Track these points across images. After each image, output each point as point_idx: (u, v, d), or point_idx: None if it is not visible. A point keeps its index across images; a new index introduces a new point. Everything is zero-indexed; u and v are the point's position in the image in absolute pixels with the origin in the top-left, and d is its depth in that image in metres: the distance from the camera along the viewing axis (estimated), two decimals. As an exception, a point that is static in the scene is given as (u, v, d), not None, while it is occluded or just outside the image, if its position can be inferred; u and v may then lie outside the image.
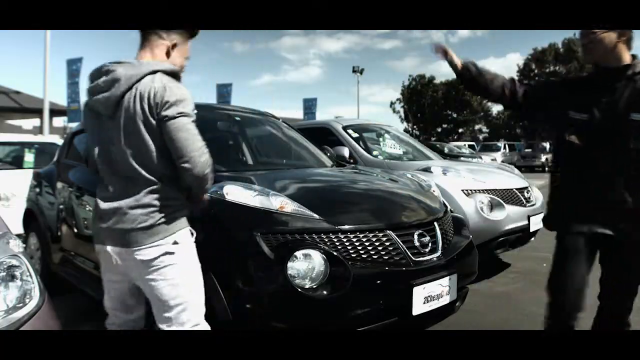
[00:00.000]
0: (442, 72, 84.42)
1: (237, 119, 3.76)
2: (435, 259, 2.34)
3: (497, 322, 3.34)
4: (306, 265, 2.00)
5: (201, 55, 77.82)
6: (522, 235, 4.41)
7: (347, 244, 2.12)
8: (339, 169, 3.50)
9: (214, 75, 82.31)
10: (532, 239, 4.77)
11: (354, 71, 35.06)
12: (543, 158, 25.07)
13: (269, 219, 2.12)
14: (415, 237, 2.32)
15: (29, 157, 6.74)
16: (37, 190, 4.26)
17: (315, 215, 2.17)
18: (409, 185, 2.98)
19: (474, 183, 4.41)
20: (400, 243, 2.24)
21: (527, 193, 4.73)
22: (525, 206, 4.54)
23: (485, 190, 4.36)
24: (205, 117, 3.59)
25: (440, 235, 2.46)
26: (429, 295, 2.23)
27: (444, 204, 2.86)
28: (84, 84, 15.81)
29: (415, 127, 50.34)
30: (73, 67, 16.40)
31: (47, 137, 10.97)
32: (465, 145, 25.61)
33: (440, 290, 2.29)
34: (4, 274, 1.46)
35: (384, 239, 2.21)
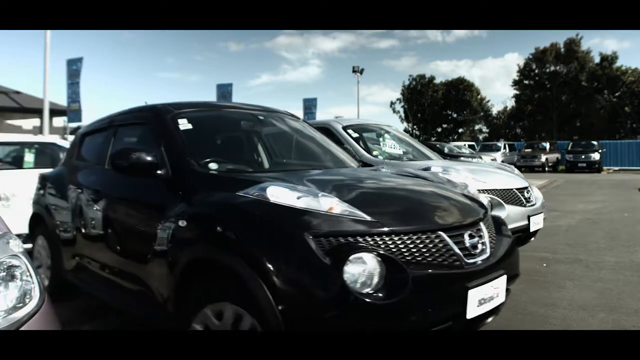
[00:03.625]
0: (441, 72, 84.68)
1: (261, 118, 3.62)
2: (485, 260, 2.25)
3: (497, 322, 3.34)
4: (363, 270, 1.87)
5: (199, 55, 77.93)
6: (522, 235, 4.41)
7: (401, 246, 2.01)
8: (368, 168, 3.40)
9: (213, 75, 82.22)
10: (532, 239, 4.77)
11: (354, 71, 35.01)
12: (543, 158, 25.07)
13: (319, 220, 2.00)
14: (466, 238, 2.23)
15: (29, 157, 6.74)
16: (45, 193, 4.10)
17: (367, 217, 2.05)
18: (446, 185, 2.89)
19: (474, 183, 4.41)
20: (453, 245, 2.14)
21: (527, 193, 4.74)
22: (525, 206, 4.55)
23: (485, 190, 4.36)
24: (229, 116, 3.49)
25: (487, 236, 2.38)
26: (483, 298, 2.15)
27: (484, 203, 2.77)
28: (84, 84, 15.65)
29: (415, 127, 50.35)
30: (73, 67, 16.39)
31: (47, 137, 10.97)
32: (465, 145, 25.60)
33: (492, 292, 2.22)
34: (4, 274, 1.46)
35: (437, 240, 2.11)
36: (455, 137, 48.00)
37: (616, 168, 26.36)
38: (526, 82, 45.02)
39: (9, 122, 22.26)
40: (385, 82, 79.64)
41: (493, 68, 72.48)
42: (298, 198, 2.09)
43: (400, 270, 1.91)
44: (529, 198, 4.70)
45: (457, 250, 2.14)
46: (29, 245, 4.30)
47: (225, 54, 74.96)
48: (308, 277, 1.88)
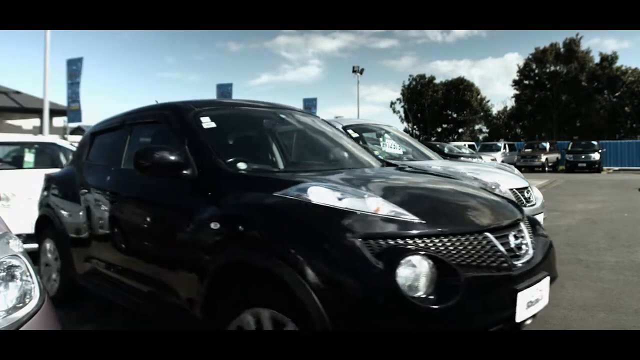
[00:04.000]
0: (441, 72, 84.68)
1: (282, 116, 3.48)
2: (529, 261, 2.18)
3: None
4: (416, 273, 1.79)
5: (199, 55, 77.94)
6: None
7: (451, 248, 1.92)
8: (393, 168, 3.33)
9: (213, 75, 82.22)
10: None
11: (354, 71, 35.03)
12: (543, 158, 25.07)
13: (367, 222, 1.91)
14: (511, 238, 2.16)
15: (29, 157, 6.74)
16: (52, 195, 3.97)
17: (415, 218, 1.97)
18: (477, 185, 2.80)
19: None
20: (500, 246, 2.06)
21: (527, 193, 4.74)
22: (525, 206, 4.54)
23: (485, 190, 4.36)
24: (251, 114, 3.36)
25: (528, 236, 2.31)
26: (530, 301, 2.08)
27: (519, 203, 2.68)
28: (84, 84, 15.66)
29: (415, 127, 50.36)
30: (73, 67, 16.39)
31: (47, 137, 10.97)
32: (465, 145, 25.60)
33: (538, 294, 2.15)
34: (4, 274, 1.46)
35: (484, 242, 2.03)
36: (455, 137, 48.01)
37: (616, 168, 26.37)
38: (526, 82, 45.03)
39: (9, 122, 22.26)
40: (385, 82, 79.72)
41: (493, 68, 72.60)
42: (340, 199, 2.01)
43: (453, 273, 1.83)
44: (529, 198, 4.70)
45: (505, 252, 2.06)
46: (34, 245, 4.27)
47: (225, 54, 75.02)
48: (360, 282, 1.79)
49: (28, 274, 1.51)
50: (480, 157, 16.58)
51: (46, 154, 7.05)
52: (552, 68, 43.05)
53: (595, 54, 41.86)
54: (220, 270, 2.16)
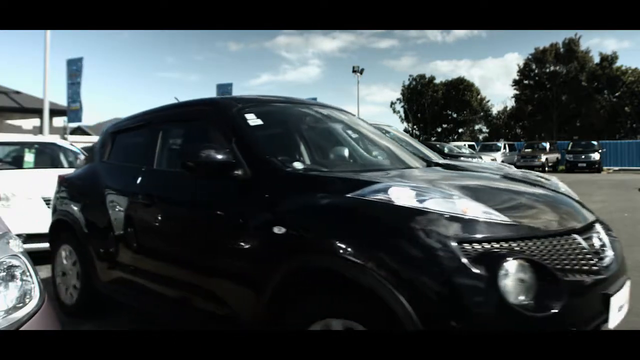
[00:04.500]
0: (441, 72, 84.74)
1: (324, 113, 3.29)
2: (612, 263, 2.03)
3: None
4: (517, 278, 1.67)
5: (199, 55, 77.95)
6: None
7: (546, 251, 1.79)
8: (445, 167, 3.16)
9: (213, 75, 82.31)
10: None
11: (354, 71, 35.05)
12: (543, 158, 25.08)
13: (461, 225, 1.75)
14: (595, 240, 2.03)
15: (29, 157, 6.75)
16: (69, 197, 3.72)
17: (507, 219, 1.82)
18: (550, 185, 2.67)
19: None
20: (589, 248, 1.94)
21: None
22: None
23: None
24: (293, 112, 3.17)
25: (606, 238, 2.16)
26: (620, 304, 1.97)
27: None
28: (84, 84, 15.70)
29: (415, 127, 50.38)
30: (73, 67, 16.42)
31: (47, 137, 10.98)
32: (465, 145, 25.61)
33: (626, 297, 2.04)
34: (4, 274, 1.46)
35: (575, 244, 1.90)
36: (455, 137, 48.03)
37: (616, 168, 26.37)
38: (526, 82, 45.05)
39: (9, 122, 22.27)
40: (385, 82, 79.78)
41: (493, 68, 72.68)
42: (424, 200, 1.84)
43: (552, 278, 1.71)
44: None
45: (592, 254, 1.93)
46: (34, 245, 4.25)
47: (225, 53, 75.10)
48: (462, 292, 1.64)
49: (28, 274, 1.51)
50: (480, 157, 16.59)
51: (46, 154, 7.07)
52: (552, 68, 43.06)
53: (595, 54, 41.95)
54: (288, 279, 1.98)
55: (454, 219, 1.77)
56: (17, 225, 4.56)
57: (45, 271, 4.67)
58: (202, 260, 2.47)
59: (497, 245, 1.72)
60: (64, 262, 3.68)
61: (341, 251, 1.82)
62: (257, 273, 2.10)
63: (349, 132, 3.31)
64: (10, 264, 1.49)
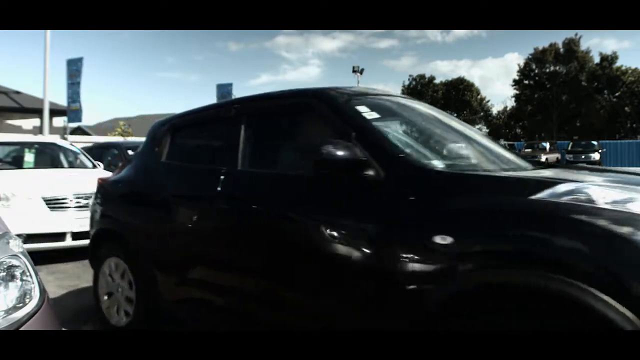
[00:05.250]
0: (441, 72, 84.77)
1: (425, 108, 3.00)
2: None
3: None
4: None
5: (199, 55, 77.96)
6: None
7: None
8: (574, 167, 2.96)
9: (213, 75, 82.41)
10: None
11: (354, 71, 35.03)
12: (543, 158, 25.09)
13: None
14: None
15: (29, 157, 6.76)
16: (115, 203, 3.32)
17: None
18: None
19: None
20: None
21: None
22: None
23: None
24: (405, 104, 2.90)
25: None
26: None
27: None
28: (84, 84, 15.69)
29: (415, 127, 50.39)
30: (73, 67, 16.44)
31: (47, 137, 10.98)
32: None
33: None
34: (4, 274, 1.46)
35: None
36: (455, 137, 48.02)
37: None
38: (526, 82, 45.08)
39: (9, 122, 22.29)
40: (385, 82, 79.76)
41: (493, 68, 72.83)
42: (632, 201, 1.57)
43: None
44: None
45: None
46: (34, 245, 4.24)
47: (225, 53, 75.24)
48: None
49: (28, 274, 1.52)
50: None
51: (46, 154, 7.08)
52: (552, 68, 43.08)
53: (595, 54, 42.02)
54: (461, 298, 1.69)
55: None
56: (17, 225, 4.57)
57: (45, 271, 4.69)
58: (324, 272, 2.11)
59: None
60: (111, 279, 3.22)
61: (540, 263, 1.54)
62: (419, 292, 1.78)
63: (461, 128, 2.92)
64: (10, 264, 1.49)
